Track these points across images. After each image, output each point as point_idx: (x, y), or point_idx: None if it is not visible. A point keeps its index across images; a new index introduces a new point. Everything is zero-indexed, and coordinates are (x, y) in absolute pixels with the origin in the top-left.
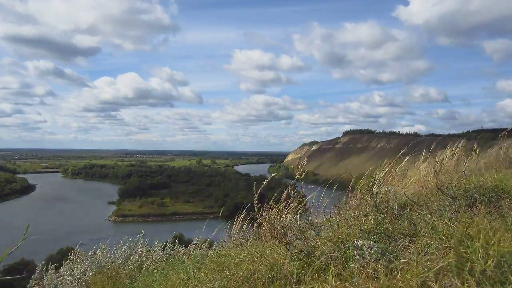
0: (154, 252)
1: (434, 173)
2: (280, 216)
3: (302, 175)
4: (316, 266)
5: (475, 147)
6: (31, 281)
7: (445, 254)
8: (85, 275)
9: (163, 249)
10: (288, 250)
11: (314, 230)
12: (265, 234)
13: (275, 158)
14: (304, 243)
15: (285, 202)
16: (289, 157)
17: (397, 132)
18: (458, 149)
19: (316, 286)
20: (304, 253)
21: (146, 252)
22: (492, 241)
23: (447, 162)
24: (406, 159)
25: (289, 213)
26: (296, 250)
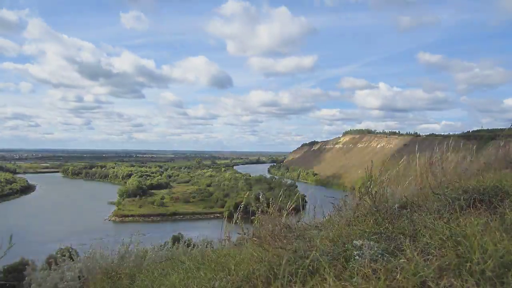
0: (153, 252)
1: (433, 174)
2: (280, 216)
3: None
4: (315, 266)
5: (474, 147)
6: (29, 279)
7: (445, 254)
8: (84, 275)
9: (163, 249)
10: (286, 250)
11: (314, 230)
12: (265, 234)
13: (275, 158)
14: (304, 243)
15: (285, 202)
16: (289, 157)
17: (397, 132)
18: (458, 149)
19: (316, 286)
20: (302, 253)
21: (144, 252)
22: (492, 241)
23: (446, 162)
24: (405, 159)
25: (288, 213)
26: (294, 250)
